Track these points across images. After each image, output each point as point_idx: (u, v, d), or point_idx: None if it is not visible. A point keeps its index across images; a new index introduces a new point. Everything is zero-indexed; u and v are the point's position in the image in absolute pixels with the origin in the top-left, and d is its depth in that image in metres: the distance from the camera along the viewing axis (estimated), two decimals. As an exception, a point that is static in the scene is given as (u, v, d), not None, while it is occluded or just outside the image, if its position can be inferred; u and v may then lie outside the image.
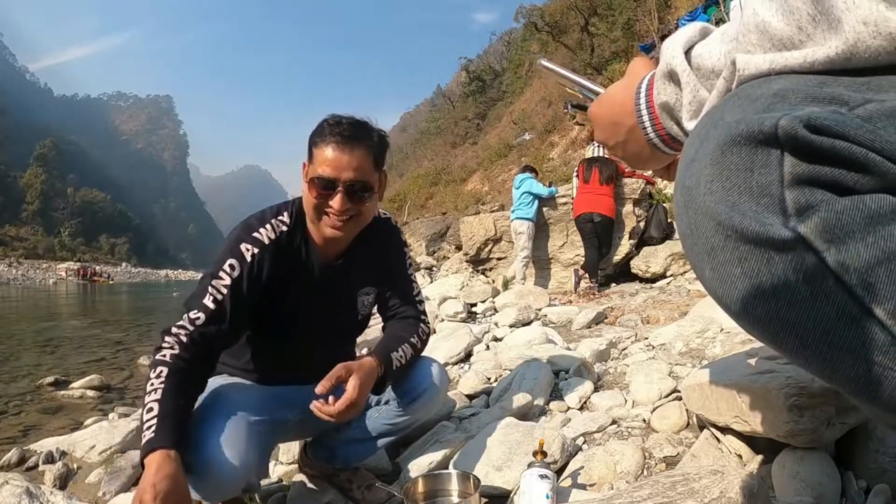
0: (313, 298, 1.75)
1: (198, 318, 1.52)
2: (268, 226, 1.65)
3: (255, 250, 1.60)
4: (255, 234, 1.62)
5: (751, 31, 0.55)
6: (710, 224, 0.52)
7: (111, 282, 45.94)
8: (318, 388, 1.47)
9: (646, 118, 0.73)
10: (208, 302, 1.53)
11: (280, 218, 1.68)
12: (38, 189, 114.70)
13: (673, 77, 0.67)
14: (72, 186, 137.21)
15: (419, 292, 1.96)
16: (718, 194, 0.51)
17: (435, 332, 4.72)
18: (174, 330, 1.50)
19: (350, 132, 1.56)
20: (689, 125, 0.66)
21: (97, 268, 57.85)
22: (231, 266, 1.57)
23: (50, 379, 4.83)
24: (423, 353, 1.88)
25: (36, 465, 2.59)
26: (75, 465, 2.56)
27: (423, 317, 1.92)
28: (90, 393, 4.49)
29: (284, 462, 2.23)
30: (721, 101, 0.58)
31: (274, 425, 1.71)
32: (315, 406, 1.49)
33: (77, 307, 18.00)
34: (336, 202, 1.55)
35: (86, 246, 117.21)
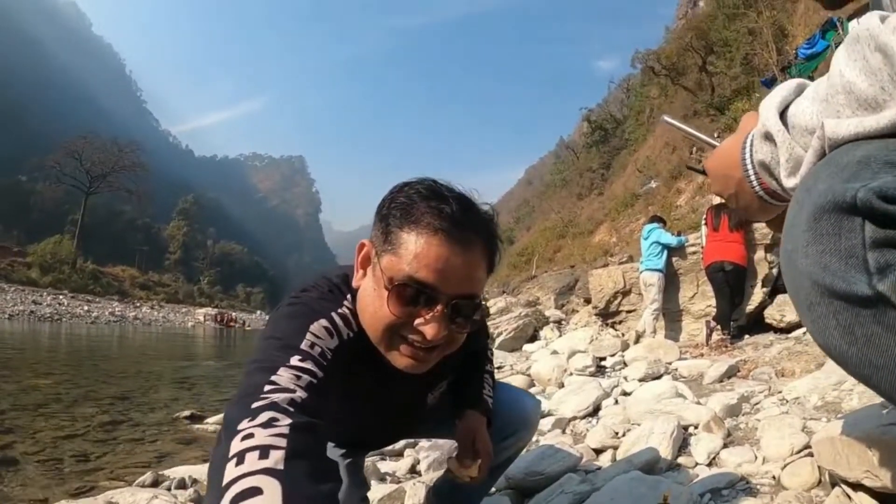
0: (367, 412, 1.35)
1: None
2: (338, 320, 1.08)
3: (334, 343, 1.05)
4: (327, 325, 1.05)
5: (839, 91, 0.62)
6: (807, 283, 0.60)
7: (247, 328, 47.00)
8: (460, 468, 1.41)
9: (751, 172, 0.77)
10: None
11: (342, 312, 1.10)
12: (180, 240, 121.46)
13: (769, 137, 0.72)
14: (211, 239, 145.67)
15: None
16: (813, 257, 0.59)
17: (563, 385, 4.78)
18: None
19: (462, 217, 1.00)
20: (788, 182, 0.70)
21: (233, 314, 58.92)
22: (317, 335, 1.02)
23: (186, 413, 4.96)
24: (513, 385, 1.83)
25: (168, 490, 2.64)
26: (205, 494, 2.69)
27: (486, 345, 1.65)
28: (224, 429, 4.72)
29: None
30: (816, 167, 0.65)
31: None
32: (457, 473, 1.42)
33: (213, 349, 18.46)
34: (430, 327, 0.99)
35: (223, 293, 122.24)
